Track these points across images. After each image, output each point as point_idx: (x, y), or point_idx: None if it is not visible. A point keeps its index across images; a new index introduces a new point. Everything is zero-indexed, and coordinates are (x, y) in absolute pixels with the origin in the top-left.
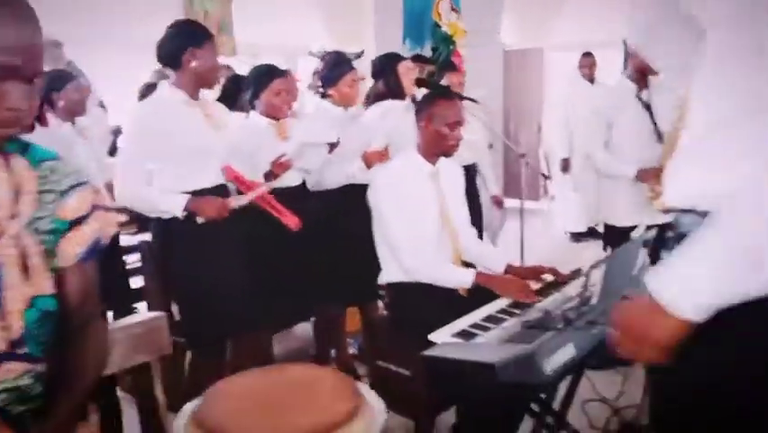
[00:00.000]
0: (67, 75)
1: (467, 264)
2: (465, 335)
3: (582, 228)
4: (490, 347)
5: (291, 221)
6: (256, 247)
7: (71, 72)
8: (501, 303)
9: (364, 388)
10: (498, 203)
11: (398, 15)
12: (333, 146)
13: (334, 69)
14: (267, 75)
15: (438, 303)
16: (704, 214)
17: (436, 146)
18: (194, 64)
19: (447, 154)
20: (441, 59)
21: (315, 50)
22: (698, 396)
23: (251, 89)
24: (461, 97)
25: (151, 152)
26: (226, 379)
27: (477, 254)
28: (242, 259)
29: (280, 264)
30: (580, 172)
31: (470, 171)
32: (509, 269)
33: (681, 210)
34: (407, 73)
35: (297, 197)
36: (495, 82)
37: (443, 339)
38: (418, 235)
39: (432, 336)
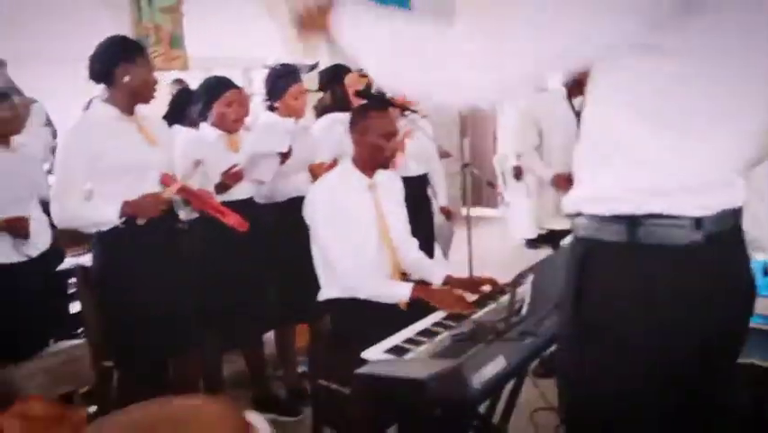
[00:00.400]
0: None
1: (406, 277)
2: (398, 350)
3: (535, 234)
4: (420, 363)
5: (233, 220)
6: (202, 264)
7: (6, 91)
8: (437, 316)
9: (255, 418)
10: (446, 214)
11: None
12: (284, 157)
13: (279, 81)
14: (219, 86)
15: (378, 318)
16: (595, 217)
17: (372, 158)
18: (126, 80)
19: (384, 166)
20: None
21: (271, 62)
22: (596, 398)
23: (203, 100)
24: (403, 108)
25: (84, 170)
26: (106, 416)
27: (417, 266)
28: (186, 276)
29: (228, 281)
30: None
31: (421, 182)
32: (449, 280)
33: (575, 214)
34: (354, 85)
35: (246, 210)
36: None
37: (376, 356)
38: (356, 251)
39: (364, 354)
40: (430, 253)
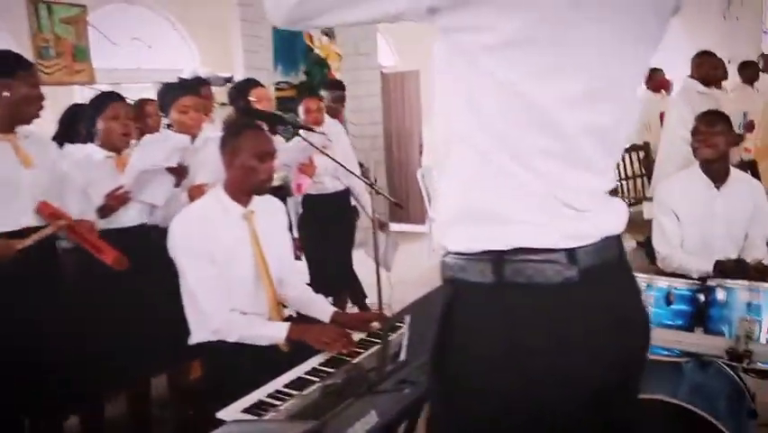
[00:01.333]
0: None
1: (292, 314)
2: (259, 407)
3: None
4: (277, 425)
5: (111, 258)
6: (84, 297)
7: None
8: (315, 361)
9: None
10: (380, 226)
11: (269, 39)
12: (179, 178)
13: (166, 94)
14: (102, 99)
15: (255, 363)
16: (459, 255)
17: (245, 183)
18: (3, 96)
19: (259, 192)
20: (315, 82)
21: (186, 75)
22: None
23: (87, 117)
24: (297, 126)
25: None
26: None
27: (301, 302)
28: (60, 319)
29: (116, 315)
30: None
31: (342, 196)
32: (336, 317)
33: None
34: (260, 100)
35: (134, 240)
36: (374, 105)
37: (232, 417)
38: (225, 289)
39: (220, 414)
40: (348, 266)
